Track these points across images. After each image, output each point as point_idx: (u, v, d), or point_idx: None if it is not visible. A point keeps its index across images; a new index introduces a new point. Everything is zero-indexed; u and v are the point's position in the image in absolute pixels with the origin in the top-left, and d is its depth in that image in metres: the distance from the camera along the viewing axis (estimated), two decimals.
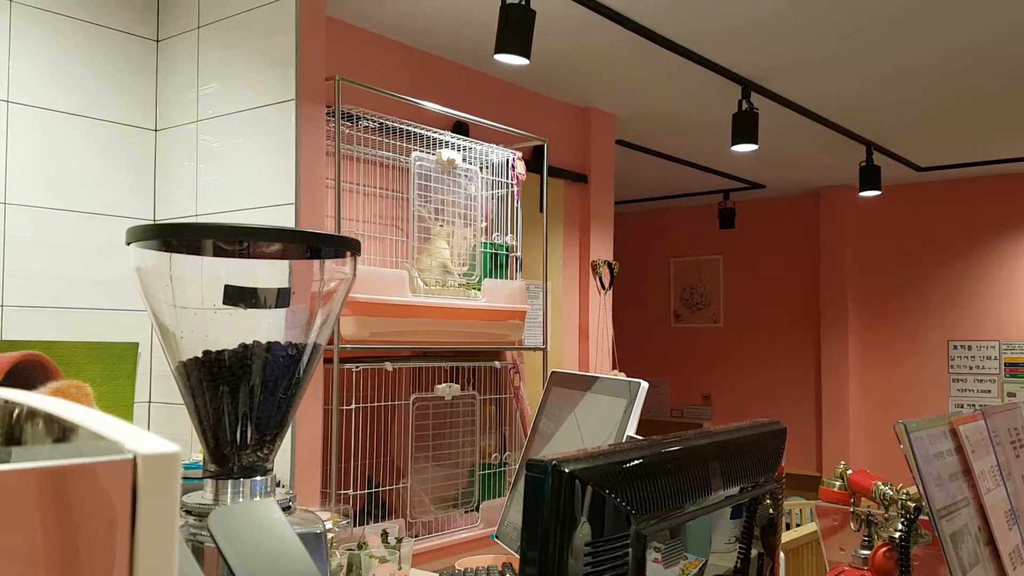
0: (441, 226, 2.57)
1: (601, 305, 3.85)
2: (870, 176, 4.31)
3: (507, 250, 2.83)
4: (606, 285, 3.89)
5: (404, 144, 2.60)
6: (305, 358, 0.91)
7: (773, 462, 0.75)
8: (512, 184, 2.83)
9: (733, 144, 3.40)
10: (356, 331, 2.31)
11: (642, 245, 6.67)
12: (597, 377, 1.32)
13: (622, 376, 1.74)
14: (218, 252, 0.84)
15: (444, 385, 2.52)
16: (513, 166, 2.82)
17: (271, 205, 2.17)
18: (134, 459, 0.32)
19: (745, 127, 3.32)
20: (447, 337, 2.53)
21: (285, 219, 2.14)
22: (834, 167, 4.99)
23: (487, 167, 2.80)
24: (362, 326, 2.33)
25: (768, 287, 6.18)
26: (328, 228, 2.32)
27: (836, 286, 5.65)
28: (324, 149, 2.27)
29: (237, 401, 0.87)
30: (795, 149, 4.62)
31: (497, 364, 2.76)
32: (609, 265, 3.91)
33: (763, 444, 0.73)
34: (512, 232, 2.83)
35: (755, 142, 3.38)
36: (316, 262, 0.90)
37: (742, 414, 6.06)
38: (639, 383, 1.16)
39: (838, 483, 1.33)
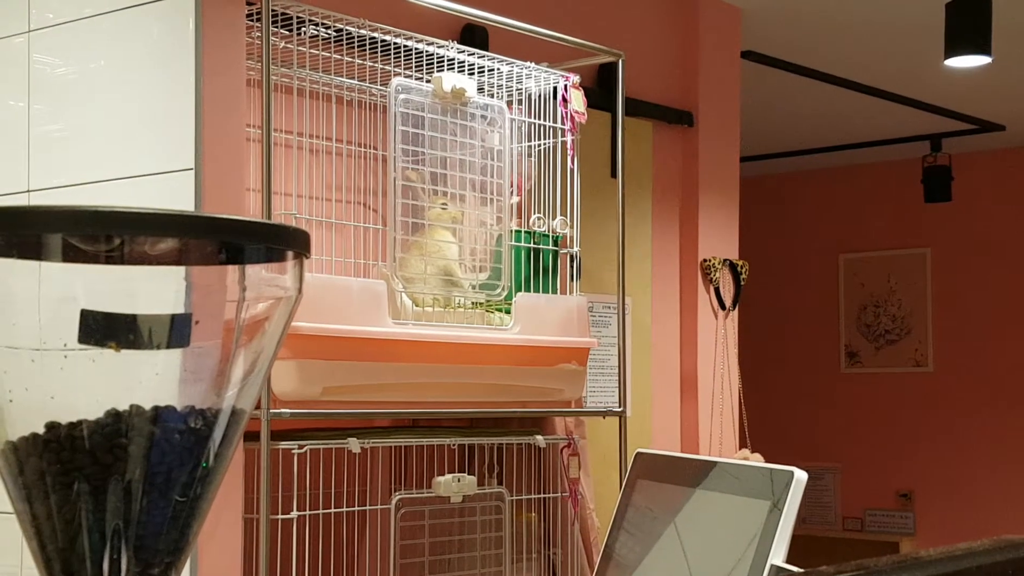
0: (443, 205, 2.60)
1: (720, 336, 3.84)
2: None
3: (556, 243, 2.85)
4: (727, 303, 3.88)
5: (378, 65, 2.64)
6: (217, 434, 0.92)
7: None
8: (565, 130, 2.82)
9: (948, 56, 3.38)
10: (299, 386, 2.36)
11: (789, 232, 6.66)
12: (715, 463, 1.33)
13: (759, 461, 1.72)
14: (69, 255, 0.85)
15: (449, 477, 2.53)
16: (565, 98, 2.81)
17: (156, 173, 2.20)
18: None
19: (968, 26, 3.31)
20: (453, 393, 2.56)
21: (180, 196, 2.17)
22: None
23: (520, 101, 2.80)
24: (310, 377, 2.36)
25: (1015, 304, 6.12)
26: (253, 211, 2.37)
27: None
28: (244, 76, 2.32)
29: (103, 508, 0.88)
30: None
31: (540, 440, 2.76)
32: (733, 268, 3.91)
33: None
34: (565, 213, 2.84)
35: (986, 52, 3.35)
36: (233, 269, 0.92)
37: (969, 527, 6.00)
38: (790, 473, 1.17)
39: None
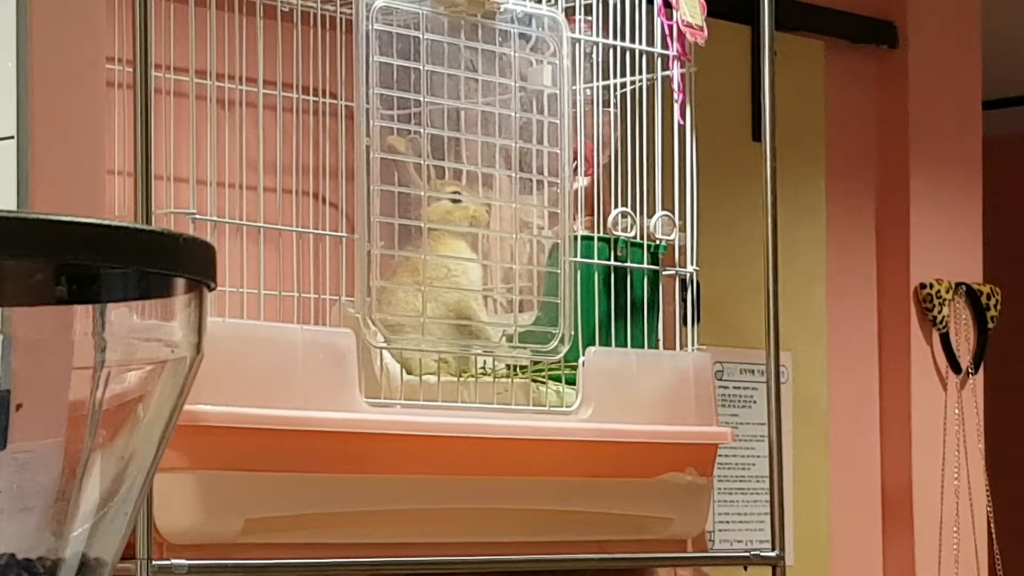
0: (455, 195, 2.58)
1: (952, 419, 3.71)
2: None
3: (655, 259, 2.70)
4: (964, 361, 3.77)
5: None
6: None
7: None
8: (669, 59, 2.64)
9: None
10: (203, 518, 2.39)
11: None
12: None
13: None
14: None
15: None
16: (668, 2, 2.68)
17: None
18: None
19: None
20: (475, 529, 2.55)
21: None
22: None
23: (589, 10, 2.75)
24: (222, 502, 2.38)
25: None
26: (119, 208, 2.43)
27: None
28: None
29: None
30: None
31: None
32: (974, 299, 3.83)
33: None
34: (670, 206, 2.70)
35: None
36: (84, 312, 0.92)
37: None
38: None
39: None
